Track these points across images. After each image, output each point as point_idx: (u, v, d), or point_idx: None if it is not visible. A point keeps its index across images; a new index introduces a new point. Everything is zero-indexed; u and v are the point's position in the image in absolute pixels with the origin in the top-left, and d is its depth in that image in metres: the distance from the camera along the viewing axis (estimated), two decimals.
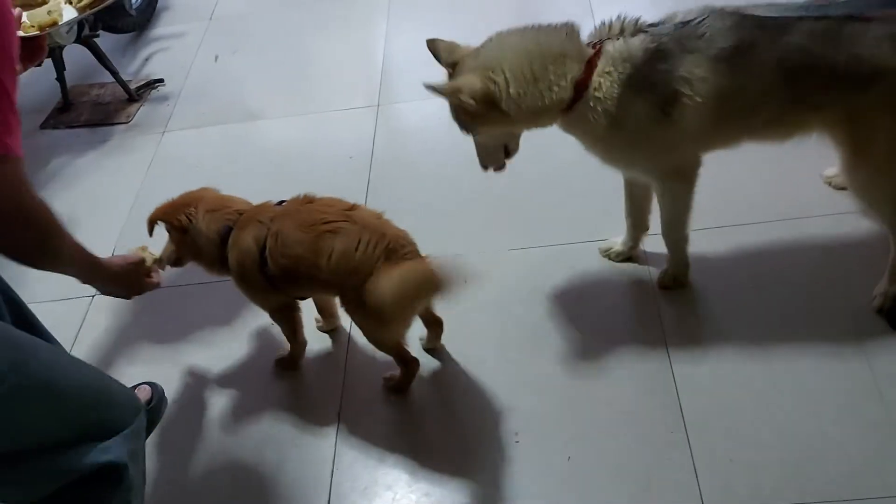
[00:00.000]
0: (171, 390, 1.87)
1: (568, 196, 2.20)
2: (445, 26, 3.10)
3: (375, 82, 2.83)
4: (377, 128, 2.62)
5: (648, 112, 1.50)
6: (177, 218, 1.72)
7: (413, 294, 1.54)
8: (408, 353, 1.74)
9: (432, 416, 1.76)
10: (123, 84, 2.94)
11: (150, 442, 1.66)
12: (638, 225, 1.91)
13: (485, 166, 1.74)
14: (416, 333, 1.82)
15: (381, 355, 1.80)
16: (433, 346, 1.85)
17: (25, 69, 1.20)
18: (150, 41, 3.32)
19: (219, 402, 1.86)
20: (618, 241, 1.97)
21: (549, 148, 2.31)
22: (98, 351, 2.04)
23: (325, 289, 1.70)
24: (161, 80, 3.03)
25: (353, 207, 1.64)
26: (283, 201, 1.71)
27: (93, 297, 2.18)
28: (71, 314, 2.14)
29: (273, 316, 1.82)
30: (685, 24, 1.49)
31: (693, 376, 1.69)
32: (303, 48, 3.15)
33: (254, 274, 1.65)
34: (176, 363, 1.97)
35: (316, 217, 1.60)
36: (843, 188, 1.93)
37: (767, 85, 1.50)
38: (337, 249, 1.55)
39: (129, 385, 1.81)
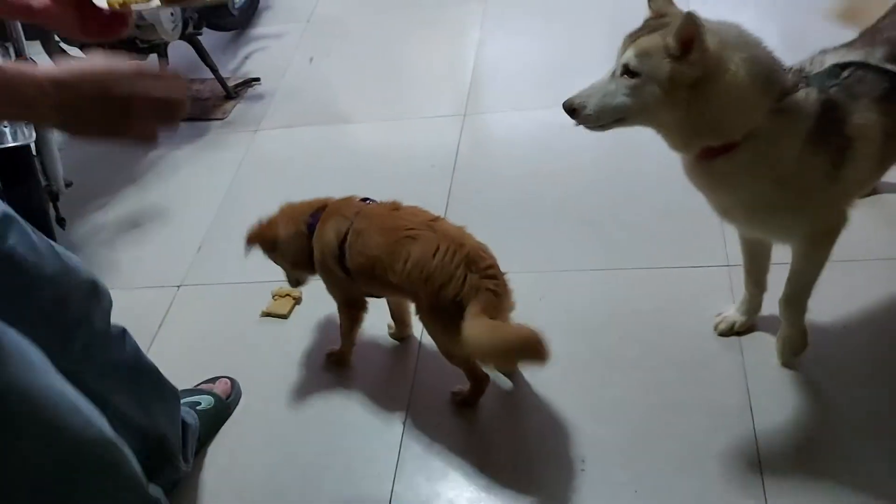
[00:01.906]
0: (242, 386, 1.91)
1: (654, 218, 2.14)
2: (539, 36, 3.09)
3: (464, 91, 2.83)
4: (462, 137, 2.62)
5: (822, 168, 1.37)
6: (263, 236, 1.79)
7: (504, 353, 1.53)
8: (479, 368, 1.73)
9: (498, 434, 1.74)
10: (222, 81, 3.05)
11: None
12: (759, 283, 1.72)
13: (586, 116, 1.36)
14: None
15: (450, 368, 1.79)
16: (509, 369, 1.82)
17: (97, 39, 1.04)
18: (250, 40, 3.43)
19: (284, 405, 1.89)
20: (732, 310, 1.78)
21: (635, 169, 2.28)
22: (180, 340, 2.11)
23: (400, 293, 1.71)
24: (258, 79, 3.12)
25: (436, 219, 1.66)
26: (367, 199, 1.75)
27: (178, 286, 2.26)
28: (158, 302, 2.22)
29: (340, 308, 1.86)
30: (840, 71, 1.38)
31: (774, 420, 1.61)
32: (394, 53, 3.18)
33: (332, 264, 1.71)
34: (249, 358, 2.01)
35: (398, 223, 1.64)
36: None
37: None
38: (413, 255, 1.56)
39: (208, 377, 1.88)
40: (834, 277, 1.61)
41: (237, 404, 1.87)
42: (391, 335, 1.95)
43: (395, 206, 1.71)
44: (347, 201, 1.76)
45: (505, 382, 1.81)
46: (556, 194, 2.29)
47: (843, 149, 1.37)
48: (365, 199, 1.76)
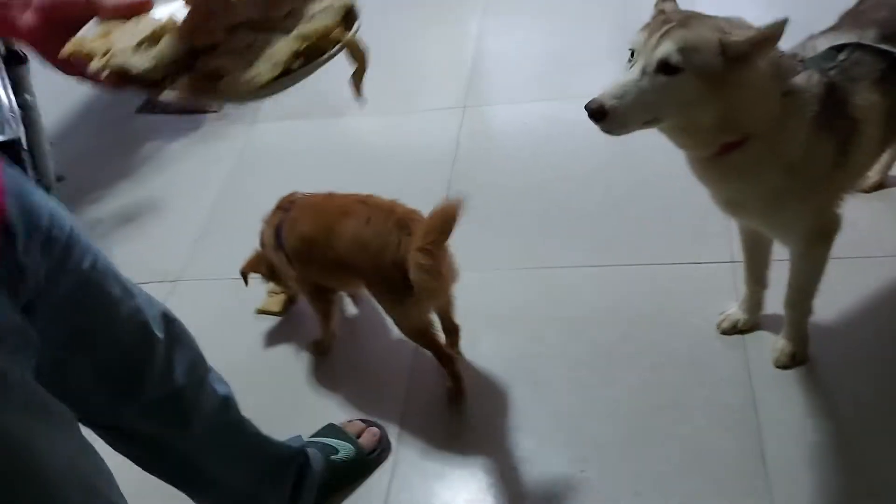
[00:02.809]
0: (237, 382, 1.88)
1: (656, 213, 2.10)
2: (539, 29, 3.04)
3: (463, 83, 2.79)
4: (462, 130, 2.57)
5: (828, 152, 1.33)
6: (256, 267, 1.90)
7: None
8: (440, 345, 1.72)
9: (497, 434, 1.70)
10: None
11: None
12: (760, 280, 1.69)
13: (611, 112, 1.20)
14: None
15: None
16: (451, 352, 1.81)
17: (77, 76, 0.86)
18: None
19: (278, 404, 1.86)
20: (734, 307, 1.75)
21: (638, 163, 2.24)
22: None
23: (345, 274, 1.69)
24: None
25: (368, 196, 1.69)
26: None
27: (174, 282, 2.23)
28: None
29: (309, 300, 1.88)
30: (837, 54, 1.34)
31: (781, 421, 1.57)
32: (393, 45, 3.13)
33: (273, 255, 1.78)
34: (244, 356, 1.98)
35: (331, 205, 1.71)
36: None
37: None
38: (348, 229, 1.62)
39: (360, 416, 1.76)
40: (841, 275, 1.58)
41: (380, 462, 1.66)
42: None
43: (330, 195, 1.77)
44: (287, 197, 1.82)
45: (503, 382, 1.78)
46: (556, 188, 2.24)
47: (848, 132, 1.33)
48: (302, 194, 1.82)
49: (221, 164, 2.67)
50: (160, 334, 1.15)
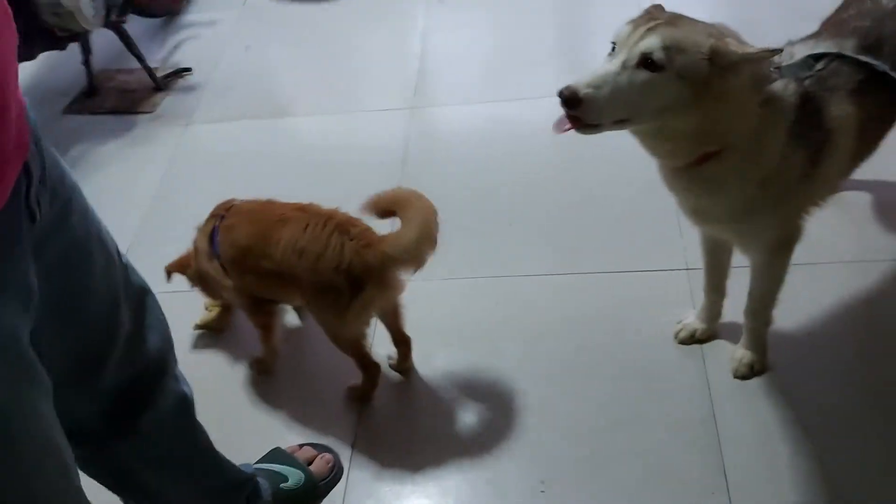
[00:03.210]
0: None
1: (611, 220, 2.06)
2: (487, 27, 2.98)
3: (411, 83, 2.71)
4: (410, 131, 2.49)
5: (800, 164, 1.30)
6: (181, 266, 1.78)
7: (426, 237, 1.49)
8: (369, 356, 1.68)
9: (454, 453, 1.63)
10: (150, 72, 2.85)
11: None
12: (719, 289, 1.66)
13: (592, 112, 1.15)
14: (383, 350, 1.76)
15: (401, 388, 1.69)
16: (403, 366, 1.77)
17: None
18: (181, 28, 3.22)
19: (220, 428, 1.75)
20: (691, 316, 1.71)
21: (591, 168, 2.20)
22: None
23: (280, 282, 1.62)
24: (189, 69, 2.93)
25: (308, 204, 1.63)
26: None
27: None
28: None
29: (248, 315, 1.80)
30: (814, 62, 1.31)
31: (740, 432, 1.55)
32: (337, 42, 3.02)
33: (207, 264, 1.68)
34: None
35: (269, 212, 1.64)
36: None
37: (889, 107, 1.40)
38: (285, 236, 1.55)
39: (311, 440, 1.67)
40: (799, 281, 1.57)
41: (332, 488, 1.57)
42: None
43: (269, 202, 1.69)
44: (222, 203, 1.73)
45: (460, 400, 1.71)
46: (508, 193, 2.19)
47: (821, 143, 1.31)
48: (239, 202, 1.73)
49: (154, 168, 2.52)
50: (126, 320, 1.07)
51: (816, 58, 1.31)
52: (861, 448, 1.49)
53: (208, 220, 1.72)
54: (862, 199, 1.96)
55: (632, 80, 1.11)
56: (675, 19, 1.16)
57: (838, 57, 1.31)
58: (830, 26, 1.44)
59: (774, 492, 1.45)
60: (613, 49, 1.16)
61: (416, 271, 1.53)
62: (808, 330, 1.71)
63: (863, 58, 1.31)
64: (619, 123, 1.16)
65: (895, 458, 1.47)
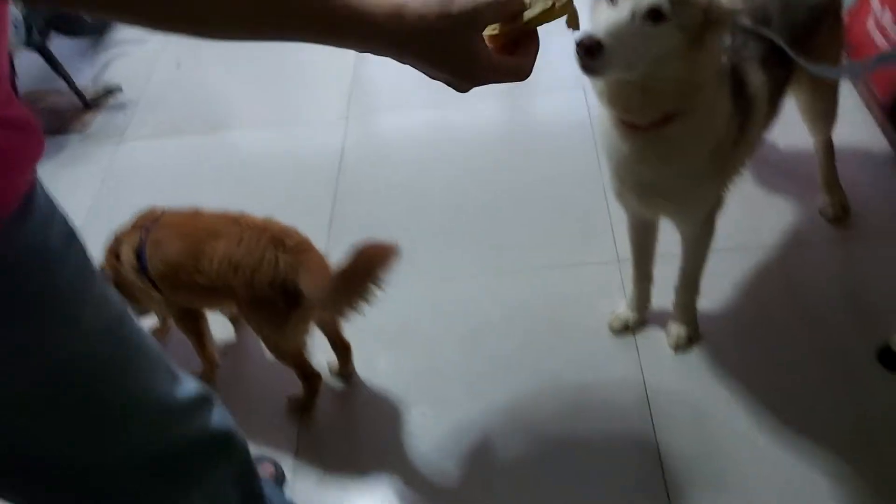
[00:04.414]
0: None
1: (542, 217, 2.09)
2: None
3: (345, 93, 2.71)
4: (346, 140, 2.50)
5: (735, 132, 1.35)
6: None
7: (366, 271, 1.42)
8: (310, 366, 1.68)
9: (398, 456, 1.64)
10: (78, 91, 2.79)
11: None
12: (648, 275, 1.72)
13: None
14: (323, 357, 1.76)
15: (342, 391, 1.69)
16: (343, 372, 1.77)
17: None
18: (109, 46, 3.17)
19: None
20: (623, 307, 1.77)
21: (522, 168, 2.24)
22: None
23: (214, 297, 1.63)
24: (119, 88, 2.89)
25: (241, 216, 1.60)
26: (164, 211, 1.68)
27: None
28: None
29: (176, 323, 1.77)
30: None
31: (672, 416, 1.59)
32: (269, 56, 3.00)
33: (134, 277, 1.62)
34: None
35: (199, 226, 1.60)
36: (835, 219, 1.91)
37: (786, 75, 1.47)
38: (218, 251, 1.52)
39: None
40: (718, 265, 1.64)
41: None
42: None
43: (196, 213, 1.65)
44: (145, 213, 1.69)
45: (399, 403, 1.72)
46: (442, 197, 2.21)
47: (747, 110, 1.37)
48: (163, 211, 1.68)
49: (87, 188, 2.48)
50: None
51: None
52: (787, 421, 1.55)
53: (131, 230, 1.66)
54: (775, 186, 2.04)
55: (642, 31, 1.13)
56: None
57: (744, 31, 1.38)
58: None
59: (708, 470, 1.50)
60: None
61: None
62: (731, 313, 1.77)
63: (763, 31, 1.37)
64: (621, 71, 1.17)
65: (821, 427, 1.53)
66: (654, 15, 1.13)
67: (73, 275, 0.82)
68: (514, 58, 0.77)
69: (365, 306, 1.46)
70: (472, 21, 0.72)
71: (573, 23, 0.82)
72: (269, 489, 1.18)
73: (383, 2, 0.70)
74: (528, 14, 0.77)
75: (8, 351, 0.76)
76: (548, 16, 0.77)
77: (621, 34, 1.11)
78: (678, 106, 1.25)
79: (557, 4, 0.77)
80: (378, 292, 1.44)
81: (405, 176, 2.33)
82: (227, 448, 1.08)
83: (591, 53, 1.10)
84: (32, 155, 0.77)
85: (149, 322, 1.90)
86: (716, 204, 1.50)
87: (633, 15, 1.13)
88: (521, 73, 0.77)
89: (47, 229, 0.79)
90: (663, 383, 1.65)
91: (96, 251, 1.68)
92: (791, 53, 1.31)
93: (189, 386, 1.00)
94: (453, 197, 2.21)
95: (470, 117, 2.51)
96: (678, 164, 1.35)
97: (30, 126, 0.75)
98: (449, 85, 0.77)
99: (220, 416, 1.06)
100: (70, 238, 0.83)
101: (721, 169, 1.42)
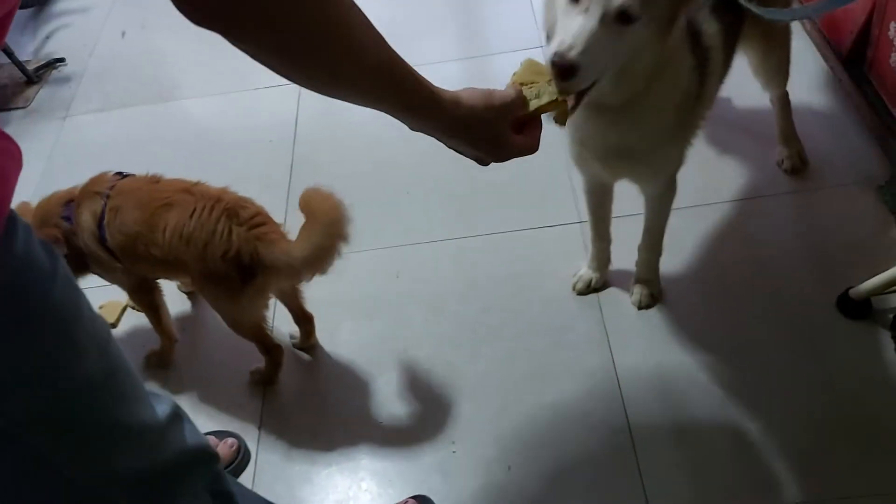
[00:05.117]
0: None
1: (503, 180, 2.05)
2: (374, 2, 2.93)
3: None
4: (300, 108, 2.44)
5: (695, 86, 1.33)
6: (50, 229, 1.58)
7: (329, 239, 1.42)
8: (271, 338, 1.66)
9: (364, 425, 1.62)
10: (20, 64, 2.68)
11: None
12: (606, 236, 1.71)
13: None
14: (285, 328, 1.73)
15: (303, 365, 1.67)
16: (306, 343, 1.75)
17: None
18: (51, 17, 3.04)
19: None
20: (584, 268, 1.75)
21: None
22: None
23: (170, 268, 1.59)
24: (62, 60, 2.77)
25: (195, 184, 1.56)
26: (122, 173, 1.62)
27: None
28: None
29: (132, 297, 1.74)
30: None
31: (637, 375, 1.59)
32: None
33: (95, 247, 1.56)
34: None
35: (155, 195, 1.54)
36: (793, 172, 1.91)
37: (738, 21, 1.46)
38: (171, 222, 1.48)
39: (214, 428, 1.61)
40: (672, 226, 1.63)
41: (240, 473, 1.55)
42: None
43: (154, 179, 1.60)
44: (99, 178, 1.62)
45: (364, 369, 1.70)
46: (402, 163, 2.17)
47: (704, 62, 1.34)
48: (120, 174, 1.62)
49: (32, 165, 2.32)
50: None
51: None
52: (748, 373, 1.56)
53: (91, 196, 1.57)
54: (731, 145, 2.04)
55: (614, 34, 1.08)
56: None
57: None
58: None
59: (672, 424, 1.51)
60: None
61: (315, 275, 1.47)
62: (692, 271, 1.77)
63: None
64: (597, 77, 1.12)
65: (781, 377, 1.54)
66: (624, 17, 1.08)
67: (63, 290, 0.77)
68: (528, 138, 0.93)
69: (329, 271, 1.44)
70: (508, 112, 0.90)
71: (562, 119, 1.03)
72: (236, 487, 1.17)
73: (445, 91, 0.85)
74: (535, 103, 0.95)
75: (19, 378, 0.73)
76: (553, 106, 0.96)
77: (593, 47, 1.06)
78: (650, 83, 1.23)
79: (560, 98, 0.97)
80: (339, 258, 1.42)
81: (363, 142, 2.28)
82: (204, 462, 1.08)
83: (564, 76, 1.05)
84: (18, 164, 0.75)
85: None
86: (679, 162, 1.49)
87: (603, 20, 1.07)
88: (532, 149, 0.94)
89: (31, 243, 0.74)
90: (627, 342, 1.65)
91: None
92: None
93: (163, 403, 0.99)
94: (413, 163, 2.16)
95: (431, 80, 2.46)
96: (646, 128, 1.33)
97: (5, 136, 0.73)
98: (476, 160, 0.94)
99: (191, 432, 1.05)
100: (50, 249, 0.78)
101: (685, 125, 1.40)
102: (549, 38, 1.17)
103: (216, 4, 0.63)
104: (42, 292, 0.73)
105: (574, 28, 1.07)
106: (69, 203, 1.59)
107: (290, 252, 1.44)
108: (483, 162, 0.94)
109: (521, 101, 0.92)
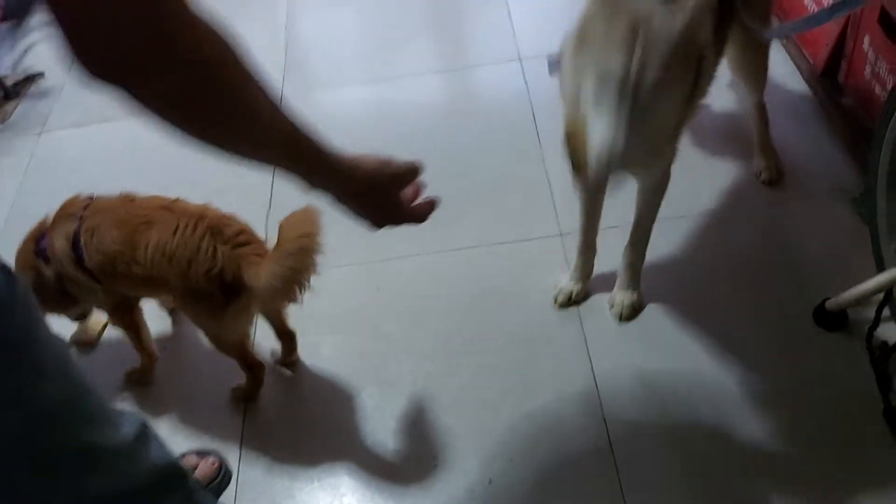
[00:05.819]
0: None
1: (483, 194, 2.07)
2: (353, 6, 2.93)
3: (279, 72, 2.64)
4: None
5: (693, 79, 1.35)
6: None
7: (300, 259, 1.40)
8: (253, 356, 1.64)
9: (346, 440, 1.61)
10: None
11: None
12: (593, 245, 1.72)
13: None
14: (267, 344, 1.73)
15: (286, 378, 1.66)
16: (288, 360, 1.74)
17: None
18: (29, 31, 3.01)
19: None
20: (566, 280, 1.75)
21: (460, 144, 2.21)
22: None
23: (152, 287, 1.58)
24: (41, 74, 2.76)
25: (174, 201, 1.54)
26: (92, 196, 1.61)
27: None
28: None
29: (111, 318, 1.72)
30: None
31: (617, 386, 1.60)
32: None
33: (72, 270, 1.54)
34: None
35: (133, 212, 1.53)
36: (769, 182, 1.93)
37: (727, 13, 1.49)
38: (152, 240, 1.47)
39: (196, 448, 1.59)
40: (653, 236, 1.65)
41: (222, 491, 1.53)
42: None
43: (129, 198, 1.59)
44: (71, 202, 1.60)
45: (343, 385, 1.69)
46: None
47: (700, 57, 1.35)
48: (90, 197, 1.61)
49: (8, 181, 2.37)
50: None
51: None
52: (726, 382, 1.57)
53: (63, 220, 1.56)
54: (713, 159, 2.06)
55: (668, 11, 1.17)
56: (649, 17, 1.18)
57: None
58: None
59: (651, 433, 1.52)
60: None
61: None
62: (672, 280, 1.78)
63: None
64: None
65: (758, 386, 1.56)
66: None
67: (23, 315, 0.77)
68: (417, 208, 0.99)
69: (307, 289, 1.43)
70: (401, 180, 0.95)
71: None
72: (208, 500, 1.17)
73: (344, 157, 0.87)
74: None
75: None
76: None
77: (619, 145, 1.17)
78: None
79: None
80: (317, 274, 1.42)
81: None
82: (175, 479, 1.07)
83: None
84: None
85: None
86: (675, 154, 1.51)
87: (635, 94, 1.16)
88: (421, 220, 1.00)
89: None
90: (606, 351, 1.66)
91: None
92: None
93: (129, 422, 0.98)
94: None
95: (406, 94, 2.47)
96: (662, 119, 1.34)
97: None
98: (367, 221, 0.97)
99: (158, 449, 1.04)
100: (7, 272, 0.77)
101: (687, 117, 1.42)
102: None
103: (124, 55, 0.60)
104: (0, 319, 0.73)
105: (598, 139, 1.18)
106: (42, 237, 1.57)
107: (255, 279, 1.42)
108: (375, 225, 0.98)
109: (414, 171, 0.97)
